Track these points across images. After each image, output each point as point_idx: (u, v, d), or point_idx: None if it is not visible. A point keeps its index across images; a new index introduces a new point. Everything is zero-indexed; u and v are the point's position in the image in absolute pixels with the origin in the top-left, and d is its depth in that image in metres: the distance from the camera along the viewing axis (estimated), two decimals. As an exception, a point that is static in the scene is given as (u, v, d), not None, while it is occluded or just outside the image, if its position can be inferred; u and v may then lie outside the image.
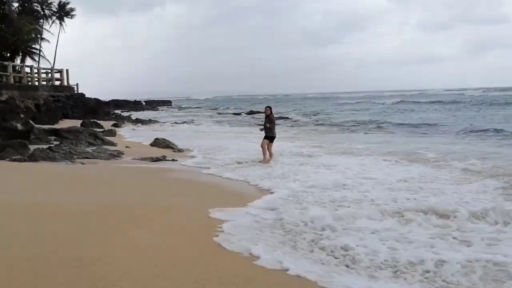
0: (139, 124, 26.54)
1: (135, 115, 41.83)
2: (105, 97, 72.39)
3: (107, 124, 24.91)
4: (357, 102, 62.86)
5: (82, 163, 10.10)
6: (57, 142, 12.05)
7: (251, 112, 47.90)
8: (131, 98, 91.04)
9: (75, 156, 10.64)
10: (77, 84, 41.84)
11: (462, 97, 60.54)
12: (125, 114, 44.19)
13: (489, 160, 10.87)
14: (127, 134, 19.28)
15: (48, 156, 10.05)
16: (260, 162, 11.33)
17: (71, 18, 59.93)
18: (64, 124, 24.24)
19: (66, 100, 26.66)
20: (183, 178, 8.86)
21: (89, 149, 11.63)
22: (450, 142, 16.25)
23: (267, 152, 11.80)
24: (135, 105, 71.85)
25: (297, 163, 10.88)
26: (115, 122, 25.85)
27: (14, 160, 9.67)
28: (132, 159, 11.26)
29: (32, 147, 10.75)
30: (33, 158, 9.85)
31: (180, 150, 13.68)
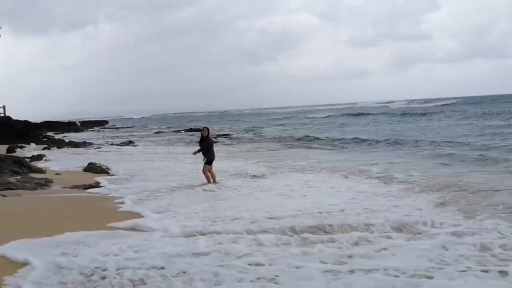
0: (73, 147, 25.19)
1: (69, 137, 39.92)
2: (37, 118, 69.00)
3: (37, 148, 23.48)
4: (292, 116, 65.39)
5: (3, 195, 9.21)
6: None
7: (190, 130, 47.28)
8: (65, 119, 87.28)
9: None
10: (3, 106, 39.40)
11: (387, 109, 64.44)
12: (59, 136, 42.13)
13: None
14: (58, 159, 18.14)
15: None
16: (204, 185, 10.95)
17: (-4, 36, 56.93)
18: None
19: (-11, 125, 24.79)
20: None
21: (13, 179, 10.68)
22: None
23: (210, 177, 11.42)
24: (69, 126, 68.92)
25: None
26: (46, 146, 24.38)
27: None
28: (63, 187, 10.45)
29: None
30: None
31: (114, 174, 12.95)
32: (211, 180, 11.32)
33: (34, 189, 10.05)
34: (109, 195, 9.58)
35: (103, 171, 13.16)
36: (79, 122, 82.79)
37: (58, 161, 16.61)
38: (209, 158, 11.35)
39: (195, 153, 11.76)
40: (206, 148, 11.43)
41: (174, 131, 48.26)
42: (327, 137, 26.95)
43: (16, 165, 12.22)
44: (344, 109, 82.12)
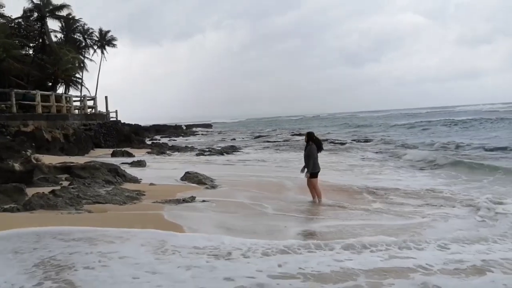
0: (175, 152, 24.71)
1: (173, 141, 40.43)
2: (148, 122, 72.61)
3: (140, 152, 23.29)
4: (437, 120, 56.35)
5: (89, 211, 8.07)
6: (67, 183, 10.11)
7: (294, 134, 45.73)
8: (172, 122, 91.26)
9: (83, 201, 8.63)
10: (116, 111, 41.10)
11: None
12: (165, 139, 42.99)
13: None
14: (157, 165, 17.35)
15: (48, 203, 8.08)
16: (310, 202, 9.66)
17: (113, 47, 60.47)
18: (96, 153, 22.84)
19: (98, 129, 25.26)
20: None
21: (103, 191, 9.61)
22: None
23: (314, 192, 9.72)
24: (176, 130, 71.35)
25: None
26: (149, 150, 24.15)
27: (5, 210, 7.74)
28: (153, 202, 9.15)
29: (34, 190, 8.84)
30: (29, 206, 7.89)
31: (213, 187, 11.50)
32: (316, 198, 9.67)
33: (124, 203, 8.85)
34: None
35: (200, 181, 11.76)
36: (185, 125, 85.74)
37: (156, 169, 15.75)
38: (311, 170, 9.59)
39: (302, 171, 9.89)
40: (307, 156, 9.69)
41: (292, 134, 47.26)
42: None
43: (110, 174, 11.28)
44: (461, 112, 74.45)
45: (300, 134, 45.37)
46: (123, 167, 15.31)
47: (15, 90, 19.86)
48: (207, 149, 26.38)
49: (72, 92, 42.87)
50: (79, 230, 6.47)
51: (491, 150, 20.89)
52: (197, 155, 22.95)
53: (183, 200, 9.24)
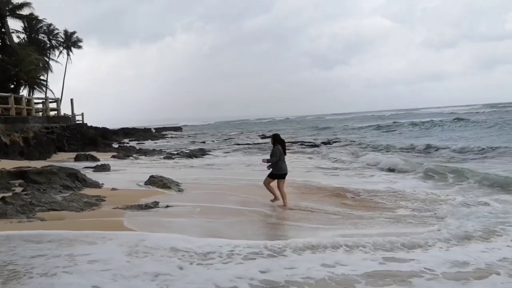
0: (142, 156, 24.03)
1: (141, 145, 39.60)
2: (116, 125, 71.10)
3: (106, 156, 22.54)
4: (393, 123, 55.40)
5: (42, 219, 7.49)
6: (21, 189, 9.47)
7: (264, 136, 45.46)
8: (142, 125, 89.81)
9: (37, 208, 8.04)
10: (82, 113, 39.90)
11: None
12: (133, 143, 42.06)
13: None
14: (122, 169, 16.73)
15: (-3, 211, 7.46)
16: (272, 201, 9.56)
17: (79, 48, 58.95)
18: (58, 157, 21.98)
19: (61, 132, 24.30)
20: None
21: (60, 197, 9.03)
22: None
23: (278, 192, 9.55)
24: (145, 133, 69.96)
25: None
26: (115, 154, 23.40)
27: None
28: (114, 208, 8.63)
29: (-18, 198, 8.19)
30: (-26, 215, 7.27)
31: (180, 190, 11.04)
32: (278, 197, 9.56)
33: (82, 209, 8.30)
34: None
35: (165, 186, 11.27)
36: (154, 128, 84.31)
37: (120, 173, 15.16)
38: (276, 171, 9.52)
39: (267, 164, 9.74)
40: (271, 156, 9.61)
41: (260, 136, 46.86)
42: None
43: (69, 178, 10.66)
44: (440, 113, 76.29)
45: (268, 137, 45.24)
46: (86, 171, 14.68)
47: (-30, 91, 18.78)
48: (175, 152, 25.82)
49: (37, 95, 41.51)
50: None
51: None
52: (164, 158, 22.38)
53: (145, 206, 8.76)
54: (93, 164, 17.04)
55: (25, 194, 8.68)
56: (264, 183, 9.70)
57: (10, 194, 8.67)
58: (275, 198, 9.53)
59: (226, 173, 16.13)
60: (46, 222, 7.32)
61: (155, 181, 11.64)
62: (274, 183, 9.62)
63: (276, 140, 9.68)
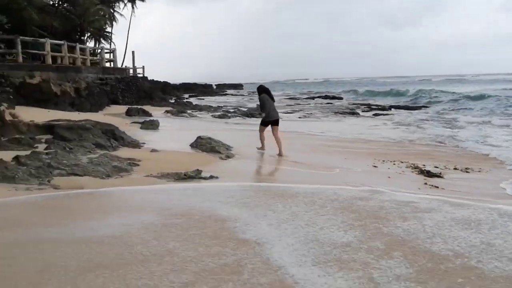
0: (196, 113, 22.68)
1: (200, 100, 38.51)
2: (178, 81, 70.85)
3: (159, 111, 21.39)
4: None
5: (56, 187, 6.10)
6: (45, 146, 8.19)
7: (326, 97, 42.90)
8: (203, 81, 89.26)
9: (54, 172, 6.68)
10: (143, 66, 39.19)
11: None
12: (192, 99, 41.12)
13: None
14: (172, 126, 15.35)
15: (4, 174, 6.15)
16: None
17: (142, 1, 58.13)
18: (111, 110, 21.05)
19: (116, 84, 23.36)
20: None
21: (86, 158, 7.65)
22: None
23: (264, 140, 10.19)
24: (205, 89, 69.27)
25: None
26: (169, 109, 22.19)
27: None
28: (146, 176, 7.12)
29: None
30: (-24, 177, 5.99)
31: (228, 156, 9.38)
32: (265, 147, 10.16)
33: (107, 176, 6.85)
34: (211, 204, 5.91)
35: (213, 149, 9.66)
36: (215, 85, 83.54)
37: (168, 131, 13.76)
38: (267, 118, 10.19)
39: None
40: (261, 105, 10.43)
41: (307, 98, 44.42)
42: None
43: (104, 136, 9.30)
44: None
45: (334, 98, 42.63)
46: (131, 127, 13.44)
47: (21, 37, 17.94)
48: (232, 110, 24.25)
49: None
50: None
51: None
52: (220, 116, 20.83)
53: (185, 175, 7.17)
54: (142, 119, 15.80)
55: (46, 154, 7.36)
56: (260, 132, 10.27)
57: (29, 152, 7.37)
58: (262, 147, 10.16)
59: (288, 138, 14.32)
60: (58, 192, 5.91)
61: (202, 144, 10.06)
62: (269, 132, 10.07)
63: (261, 90, 10.36)
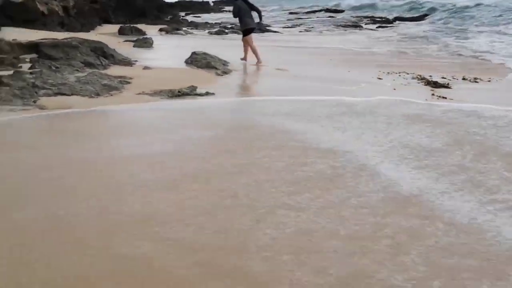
0: (193, 30, 21.75)
1: (197, 18, 37.01)
2: (174, -1, 67.76)
3: (154, 29, 20.47)
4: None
5: (42, 107, 5.75)
6: (29, 65, 7.72)
7: (327, 10, 41.08)
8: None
9: (40, 92, 6.29)
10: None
11: None
12: (189, 16, 39.53)
13: None
14: (166, 44, 14.68)
15: (-14, 95, 5.76)
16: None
17: None
18: (103, 30, 20.14)
19: (106, 1, 22.18)
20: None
21: (74, 77, 7.22)
22: None
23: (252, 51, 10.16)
24: (202, 6, 66.48)
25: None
26: (163, 26, 21.22)
27: None
28: (138, 93, 6.74)
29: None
30: (-44, 99, 5.63)
31: (225, 72, 8.92)
32: (247, 58, 10.28)
33: (97, 95, 6.47)
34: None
35: (209, 65, 9.17)
36: (212, 1, 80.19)
37: (162, 49, 13.13)
38: (243, 27, 10.20)
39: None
40: (235, 13, 10.24)
41: (308, 12, 42.60)
42: None
43: (93, 54, 8.78)
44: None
45: (336, 11, 40.89)
46: (124, 46, 12.83)
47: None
48: (229, 26, 23.25)
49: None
50: None
51: None
52: (216, 33, 19.97)
53: (179, 92, 6.79)
54: (136, 38, 15.06)
55: (31, 73, 6.92)
56: (248, 41, 10.22)
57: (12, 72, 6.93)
58: (244, 58, 10.29)
59: (288, 52, 13.72)
60: (44, 112, 5.56)
61: (197, 59, 9.54)
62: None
63: None
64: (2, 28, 14.88)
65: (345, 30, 22.96)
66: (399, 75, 9.57)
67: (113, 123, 5.29)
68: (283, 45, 15.87)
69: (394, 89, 7.86)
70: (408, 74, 9.71)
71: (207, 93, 6.89)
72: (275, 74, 9.21)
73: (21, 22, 15.57)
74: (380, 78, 9.22)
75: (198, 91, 6.97)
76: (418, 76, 9.41)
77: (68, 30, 17.38)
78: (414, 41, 17.23)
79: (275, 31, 22.18)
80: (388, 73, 9.88)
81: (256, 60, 10.08)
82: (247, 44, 10.15)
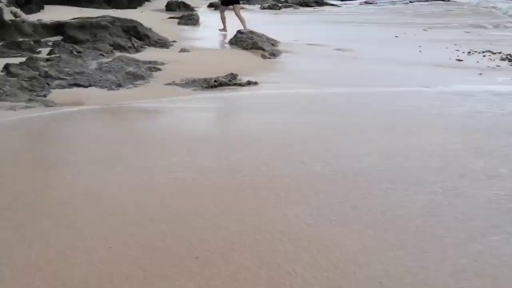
0: (244, 3, 20.37)
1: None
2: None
3: (203, 5, 19.35)
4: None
5: (48, 105, 4.75)
6: (48, 49, 6.79)
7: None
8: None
9: (53, 84, 5.33)
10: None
11: None
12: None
13: None
14: (211, 21, 13.50)
15: (-13, 88, 4.86)
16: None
17: None
18: (151, 6, 19.26)
19: (155, -25, 21.14)
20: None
21: (96, 63, 6.23)
22: None
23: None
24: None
25: None
26: (214, 1, 19.99)
27: None
28: (167, 84, 5.63)
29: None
30: (-48, 94, 4.75)
31: (273, 54, 7.61)
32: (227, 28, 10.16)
33: (118, 86, 5.42)
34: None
35: (255, 45, 7.91)
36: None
37: (208, 26, 11.98)
38: None
39: None
40: None
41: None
42: None
43: (125, 34, 7.76)
44: None
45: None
46: (167, 24, 11.83)
47: None
48: (283, 0, 21.68)
49: None
50: None
51: None
52: (269, 7, 18.51)
53: (215, 82, 5.61)
54: (181, 14, 14.02)
55: (47, 60, 5.98)
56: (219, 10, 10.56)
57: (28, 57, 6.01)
58: (224, 29, 10.29)
59: (348, 28, 12.18)
60: (48, 111, 4.57)
61: (242, 39, 8.32)
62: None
63: None
64: (46, 6, 14.32)
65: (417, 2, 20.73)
66: (483, 56, 7.96)
67: (122, 133, 4.17)
68: (341, 19, 14.29)
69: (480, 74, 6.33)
70: (494, 54, 8.08)
71: (249, 83, 5.67)
72: (337, 55, 7.82)
73: (66, 0, 14.99)
74: (460, 60, 7.65)
75: (239, 79, 5.77)
76: (509, 56, 7.78)
77: (114, 7, 16.62)
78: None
79: (332, 4, 20.42)
80: (469, 52, 8.27)
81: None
82: (222, 11, 10.52)
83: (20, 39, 6.93)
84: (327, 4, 20.50)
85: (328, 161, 3.10)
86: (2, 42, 6.82)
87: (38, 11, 13.01)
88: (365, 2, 22.46)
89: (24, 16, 7.69)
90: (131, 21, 8.19)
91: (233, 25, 9.83)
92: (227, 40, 8.81)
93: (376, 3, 22.01)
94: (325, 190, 2.65)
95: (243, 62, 6.95)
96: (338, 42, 9.01)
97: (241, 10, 10.59)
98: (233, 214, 2.39)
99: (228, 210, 2.43)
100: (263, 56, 7.43)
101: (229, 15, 10.54)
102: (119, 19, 8.14)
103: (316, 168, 2.98)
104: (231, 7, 10.21)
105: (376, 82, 5.76)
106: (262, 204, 2.50)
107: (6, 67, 5.47)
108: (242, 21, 9.85)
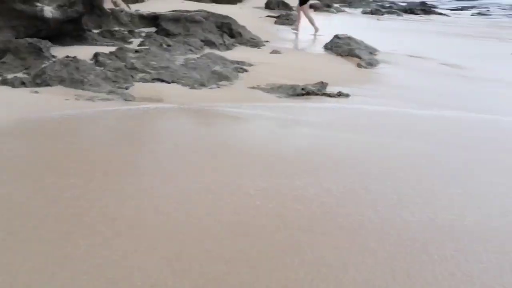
0: (346, 7, 19.62)
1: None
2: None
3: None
4: None
5: (128, 99, 4.62)
6: (140, 41, 6.76)
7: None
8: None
9: (137, 77, 5.22)
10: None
11: None
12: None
13: None
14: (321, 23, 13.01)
15: (72, 76, 4.83)
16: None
17: None
18: (252, 3, 19.21)
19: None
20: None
21: (183, 59, 6.06)
22: None
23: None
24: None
25: None
26: (315, 2, 19.47)
27: (5, 81, 4.76)
28: (250, 87, 5.28)
29: (79, 50, 5.72)
30: (40, 79, 4.80)
31: (370, 63, 6.98)
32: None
33: (201, 85, 5.19)
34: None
35: (351, 52, 7.34)
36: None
37: (303, 28, 11.52)
38: None
39: None
40: None
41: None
42: None
43: (217, 30, 7.57)
44: None
45: None
46: (263, 23, 11.59)
47: None
48: (387, 5, 20.61)
49: None
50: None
51: None
52: (371, 12, 17.62)
53: (303, 90, 5.17)
54: (276, 14, 13.72)
55: (136, 51, 5.90)
56: (304, 12, 10.39)
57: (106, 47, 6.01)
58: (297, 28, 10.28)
59: (457, 41, 11.08)
60: (126, 106, 4.41)
61: (338, 45, 7.77)
62: None
63: None
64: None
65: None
66: None
67: (195, 140, 3.87)
68: (450, 31, 13.12)
69: None
70: None
71: (339, 94, 5.16)
72: (442, 71, 7.01)
73: (171, -9, 15.31)
74: None
75: (329, 89, 5.28)
76: None
77: (214, 1, 16.76)
78: None
79: (440, 13, 19.02)
80: None
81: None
82: (304, 12, 10.40)
83: (116, 28, 7.00)
84: (434, 12, 19.13)
85: (423, 210, 2.53)
86: (99, 30, 6.90)
87: (143, 1, 13.37)
88: (478, 13, 20.69)
89: (123, 5, 7.81)
90: (226, 17, 7.99)
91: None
92: (323, 44, 8.31)
93: (491, 14, 20.20)
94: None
95: (336, 69, 6.44)
96: (444, 56, 8.14)
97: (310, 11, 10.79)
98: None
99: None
100: (359, 65, 6.84)
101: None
102: (214, 14, 7.98)
103: (407, 215, 2.43)
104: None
105: (493, 108, 4.95)
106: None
107: (96, 55, 5.46)
108: (311, 20, 10.29)
